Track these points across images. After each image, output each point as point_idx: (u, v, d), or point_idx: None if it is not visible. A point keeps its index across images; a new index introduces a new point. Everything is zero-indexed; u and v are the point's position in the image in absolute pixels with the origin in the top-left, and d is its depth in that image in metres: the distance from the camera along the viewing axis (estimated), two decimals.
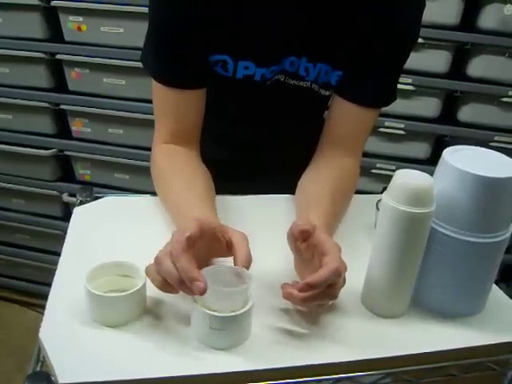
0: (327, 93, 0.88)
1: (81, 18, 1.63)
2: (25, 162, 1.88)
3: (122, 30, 1.63)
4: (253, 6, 0.77)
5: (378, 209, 0.79)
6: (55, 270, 0.69)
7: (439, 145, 1.69)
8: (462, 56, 1.58)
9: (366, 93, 0.85)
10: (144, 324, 0.62)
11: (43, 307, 0.63)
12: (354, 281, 0.68)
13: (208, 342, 0.59)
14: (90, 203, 0.87)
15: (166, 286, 0.59)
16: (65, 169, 1.94)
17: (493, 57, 1.53)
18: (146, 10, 0.79)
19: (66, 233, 0.78)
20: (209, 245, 0.65)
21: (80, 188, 0.89)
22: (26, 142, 1.84)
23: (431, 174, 0.63)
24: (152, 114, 0.87)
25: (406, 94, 1.60)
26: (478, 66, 1.56)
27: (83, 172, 1.91)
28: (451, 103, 1.66)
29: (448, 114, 1.67)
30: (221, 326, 0.58)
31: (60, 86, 1.78)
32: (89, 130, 1.82)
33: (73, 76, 1.74)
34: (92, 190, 0.89)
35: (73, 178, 1.94)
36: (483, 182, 0.60)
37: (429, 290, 0.67)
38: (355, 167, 0.90)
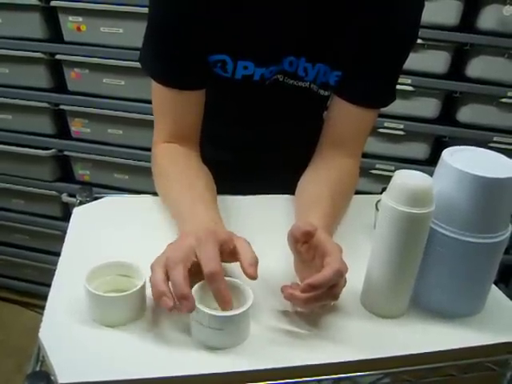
0: (326, 93, 0.88)
1: (80, 19, 1.63)
2: (24, 162, 1.88)
3: (121, 31, 1.63)
4: (252, 6, 0.77)
5: (377, 209, 0.79)
6: (55, 270, 0.69)
7: (438, 145, 1.69)
8: (461, 57, 1.58)
9: (365, 93, 0.85)
10: (144, 324, 0.62)
11: (43, 307, 0.63)
12: (354, 281, 0.68)
13: (207, 341, 0.59)
14: (90, 203, 0.87)
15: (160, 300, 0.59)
16: (64, 169, 1.94)
17: (492, 57, 1.53)
18: (145, 10, 0.80)
19: (65, 233, 0.78)
20: None
21: (79, 188, 0.89)
22: (26, 142, 1.84)
23: (430, 174, 0.63)
24: (151, 115, 0.87)
25: (406, 95, 1.61)
26: (477, 67, 1.56)
27: (83, 172, 1.91)
28: (450, 104, 1.66)
29: (447, 115, 1.67)
30: (219, 326, 0.58)
31: (59, 86, 1.78)
32: (88, 130, 1.82)
33: (72, 76, 1.74)
34: (91, 191, 0.89)
35: (72, 179, 1.94)
36: (482, 182, 0.60)
37: (428, 291, 0.67)
38: (355, 168, 0.90)
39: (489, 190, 0.60)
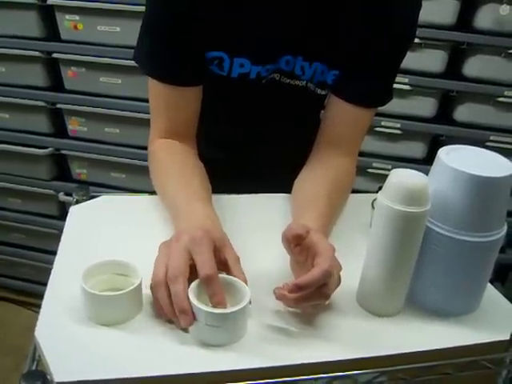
0: (323, 92, 0.88)
1: (77, 17, 1.63)
2: (21, 161, 1.87)
3: (118, 29, 1.63)
4: (250, 3, 0.77)
5: (373, 208, 0.79)
6: (51, 269, 0.69)
7: (435, 144, 1.69)
8: (458, 56, 1.59)
9: (362, 92, 0.85)
10: (140, 323, 0.62)
11: (39, 306, 0.62)
12: (350, 280, 0.68)
13: (204, 338, 0.59)
14: (86, 202, 0.87)
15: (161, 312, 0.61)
16: (61, 168, 1.93)
17: (489, 57, 1.54)
18: (142, 8, 0.79)
19: (62, 232, 0.78)
20: None
21: (76, 187, 0.89)
22: (23, 141, 1.84)
23: (427, 173, 0.63)
24: (148, 113, 0.87)
25: (403, 94, 1.61)
26: (473, 66, 1.57)
27: (79, 171, 1.91)
28: (447, 103, 1.66)
29: (444, 114, 1.67)
30: (216, 323, 0.58)
31: (56, 84, 1.78)
32: (85, 128, 1.82)
33: (69, 75, 1.74)
34: (88, 189, 0.89)
35: (69, 177, 1.93)
36: (478, 181, 0.60)
37: (424, 289, 0.68)
38: (352, 167, 0.90)
39: (484, 189, 0.61)
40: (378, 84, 0.86)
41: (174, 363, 0.57)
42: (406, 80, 1.57)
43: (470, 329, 0.66)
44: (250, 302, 0.60)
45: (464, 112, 1.64)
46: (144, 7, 0.79)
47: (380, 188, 0.62)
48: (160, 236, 0.71)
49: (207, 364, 0.57)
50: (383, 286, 0.65)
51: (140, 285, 0.62)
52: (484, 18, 1.49)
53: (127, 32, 1.62)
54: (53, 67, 1.75)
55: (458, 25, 1.52)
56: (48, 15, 1.67)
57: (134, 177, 1.86)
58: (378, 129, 1.65)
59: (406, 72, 1.56)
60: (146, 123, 0.90)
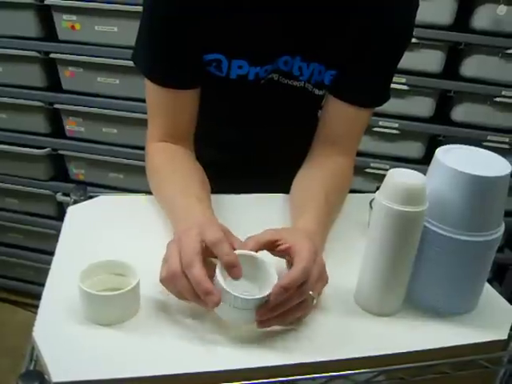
0: (321, 92, 0.88)
1: (74, 17, 1.63)
2: (18, 162, 1.87)
3: (115, 29, 1.63)
4: (247, 5, 0.77)
5: (371, 208, 0.79)
6: (49, 269, 0.69)
7: (433, 144, 1.69)
8: (455, 56, 1.59)
9: (359, 92, 0.85)
10: (137, 322, 0.62)
11: (37, 307, 0.62)
12: (348, 279, 0.68)
13: (231, 318, 0.60)
14: (84, 202, 0.87)
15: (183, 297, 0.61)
16: (59, 168, 1.93)
17: (486, 57, 1.54)
18: (139, 8, 0.79)
19: (59, 232, 0.78)
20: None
21: (74, 187, 0.89)
22: (20, 142, 1.83)
23: (425, 173, 0.63)
24: (146, 114, 0.87)
25: (400, 94, 1.61)
26: (471, 66, 1.57)
27: (77, 171, 1.91)
28: (445, 103, 1.66)
29: (442, 114, 1.68)
30: (245, 307, 0.58)
31: (54, 84, 1.78)
32: (83, 129, 1.82)
33: (67, 75, 1.73)
34: (86, 190, 0.89)
35: (67, 178, 1.93)
36: (475, 180, 0.60)
37: (422, 289, 0.68)
38: (349, 166, 0.90)
39: (482, 188, 0.61)
40: (375, 84, 0.86)
41: (171, 363, 0.57)
42: (404, 80, 1.57)
43: (467, 328, 0.66)
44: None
45: (461, 112, 1.64)
46: (141, 7, 0.79)
47: (378, 188, 0.62)
48: (158, 236, 0.71)
49: (206, 363, 0.57)
50: (381, 285, 0.65)
51: (138, 285, 0.62)
52: (481, 18, 1.49)
53: (125, 32, 1.61)
54: (50, 67, 1.75)
55: (456, 25, 1.52)
56: (45, 15, 1.66)
57: (131, 177, 1.86)
58: (375, 129, 1.65)
59: (404, 72, 1.56)
60: (143, 123, 0.89)
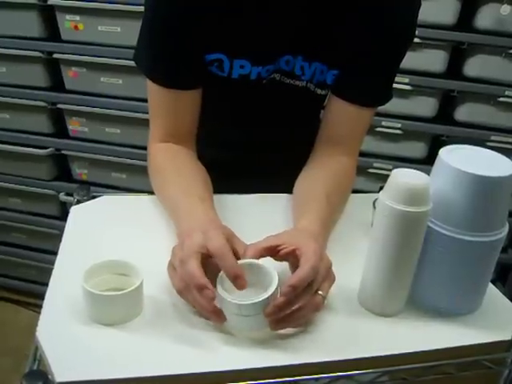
0: (323, 92, 0.88)
1: (78, 17, 1.63)
2: (22, 162, 1.87)
3: (119, 29, 1.63)
4: (249, 5, 0.77)
5: (374, 208, 0.79)
6: (52, 269, 0.69)
7: (436, 144, 1.69)
8: (458, 56, 1.58)
9: (362, 92, 0.85)
10: (141, 322, 0.62)
11: (40, 307, 0.63)
12: (351, 279, 0.68)
13: (241, 328, 0.61)
14: (87, 202, 0.87)
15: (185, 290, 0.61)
16: (62, 168, 1.93)
17: (489, 57, 1.53)
18: (142, 9, 0.79)
19: (62, 232, 0.78)
20: None
21: (77, 187, 0.89)
22: (23, 142, 1.83)
23: (428, 173, 0.63)
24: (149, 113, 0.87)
25: (403, 94, 1.61)
26: (474, 66, 1.56)
27: (80, 171, 1.91)
28: (448, 103, 1.66)
29: (445, 114, 1.67)
30: (249, 313, 0.58)
31: (57, 85, 1.78)
32: (86, 129, 1.82)
33: (70, 75, 1.74)
34: (89, 190, 0.89)
35: (70, 178, 1.93)
36: (479, 181, 0.60)
37: (425, 289, 0.68)
38: (352, 166, 0.90)
39: (486, 188, 0.61)
40: (377, 83, 0.86)
41: (174, 363, 0.57)
42: (407, 80, 1.57)
43: (471, 329, 0.66)
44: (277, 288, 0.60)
45: (465, 112, 1.63)
46: (144, 7, 0.79)
47: (381, 188, 0.62)
48: (161, 236, 0.71)
49: (210, 364, 0.57)
50: (385, 285, 0.65)
51: (141, 285, 0.62)
52: (484, 17, 1.49)
53: (128, 32, 1.61)
54: (53, 67, 1.75)
55: (459, 25, 1.52)
56: (48, 15, 1.66)
57: (134, 177, 1.86)
58: (378, 129, 1.65)
59: (407, 72, 1.56)
60: (146, 123, 0.90)
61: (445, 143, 1.60)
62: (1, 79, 1.76)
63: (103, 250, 0.69)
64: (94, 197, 0.89)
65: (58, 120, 1.84)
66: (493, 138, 1.62)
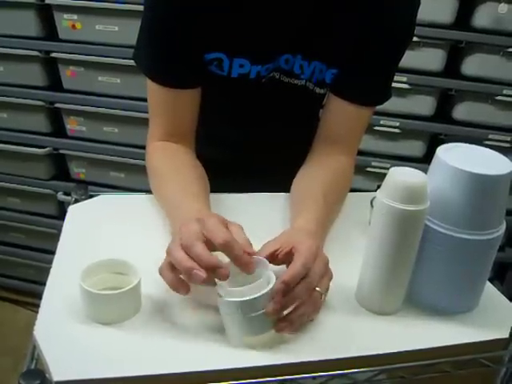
0: (322, 91, 0.88)
1: (75, 16, 1.63)
2: (20, 161, 1.87)
3: (116, 28, 1.63)
4: (249, 4, 0.77)
5: (372, 206, 0.79)
6: (50, 268, 0.69)
7: (434, 143, 1.69)
8: (456, 54, 1.59)
9: (360, 91, 0.85)
10: (139, 321, 0.62)
11: (38, 306, 0.62)
12: (349, 278, 0.68)
13: (247, 331, 0.59)
14: (85, 202, 0.87)
15: (178, 284, 0.60)
16: (60, 167, 1.93)
17: (487, 55, 1.54)
18: (140, 8, 0.79)
19: (60, 231, 0.78)
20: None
21: (75, 186, 0.89)
22: (21, 141, 1.83)
23: (426, 172, 0.63)
24: (147, 113, 0.87)
25: (401, 93, 1.61)
26: (472, 65, 1.57)
27: (78, 170, 1.91)
28: (446, 101, 1.66)
29: (443, 113, 1.68)
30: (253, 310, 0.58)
31: (55, 84, 1.78)
32: (84, 128, 1.82)
33: (68, 74, 1.73)
34: (87, 189, 0.89)
35: (68, 177, 1.93)
36: (477, 179, 0.60)
37: (423, 287, 0.68)
38: (350, 165, 0.90)
39: (483, 186, 0.61)
40: (376, 82, 0.86)
41: (173, 362, 0.57)
42: (405, 79, 1.57)
43: (468, 327, 0.66)
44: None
45: (463, 111, 1.64)
46: (142, 6, 0.79)
47: (379, 186, 0.62)
48: (159, 235, 0.71)
49: (208, 362, 0.57)
50: (382, 284, 0.65)
51: (139, 284, 0.62)
52: (482, 16, 1.49)
53: (126, 31, 1.61)
54: (51, 66, 1.75)
55: (457, 23, 1.52)
56: (46, 14, 1.66)
57: (132, 176, 1.86)
58: (376, 128, 1.65)
59: (405, 71, 1.56)
60: (144, 123, 0.90)
61: (443, 142, 1.60)
62: None
63: (101, 249, 0.69)
64: (91, 196, 0.89)
65: (56, 119, 1.84)
66: (490, 136, 1.62)
